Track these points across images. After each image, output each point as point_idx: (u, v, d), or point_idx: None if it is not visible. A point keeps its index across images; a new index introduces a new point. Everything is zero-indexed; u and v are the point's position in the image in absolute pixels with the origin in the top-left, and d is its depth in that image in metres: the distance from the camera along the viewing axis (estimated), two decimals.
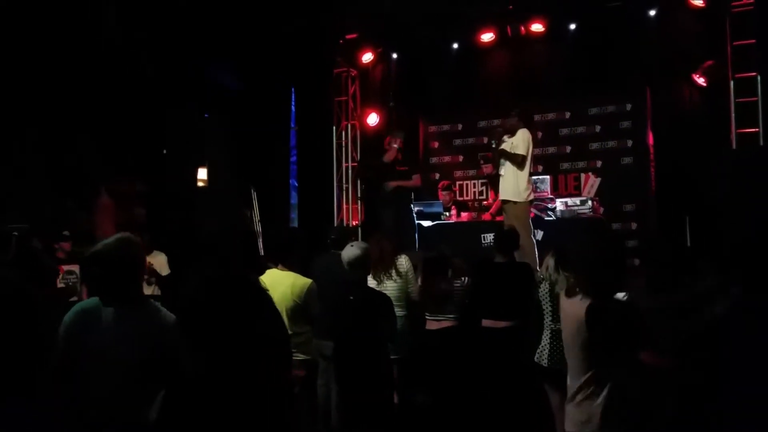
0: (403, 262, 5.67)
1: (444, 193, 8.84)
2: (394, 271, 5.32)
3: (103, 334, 2.73)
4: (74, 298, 4.98)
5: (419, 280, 5.36)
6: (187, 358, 2.33)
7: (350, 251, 4.41)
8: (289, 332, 4.24)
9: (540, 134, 9.08)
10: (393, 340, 4.52)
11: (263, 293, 2.52)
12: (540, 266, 5.21)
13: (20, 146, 8.00)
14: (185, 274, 3.04)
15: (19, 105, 7.74)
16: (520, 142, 6.82)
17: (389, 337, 4.46)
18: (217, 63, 9.09)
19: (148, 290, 6.46)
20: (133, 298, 2.84)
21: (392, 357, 4.73)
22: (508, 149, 6.85)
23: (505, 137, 6.97)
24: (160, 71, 8.45)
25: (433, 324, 5.30)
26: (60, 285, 4.95)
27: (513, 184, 6.81)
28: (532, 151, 6.93)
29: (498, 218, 8.01)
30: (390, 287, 5.22)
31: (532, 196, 6.96)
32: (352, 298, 4.34)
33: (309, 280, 4.40)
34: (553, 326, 4.55)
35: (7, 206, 7.21)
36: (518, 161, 6.77)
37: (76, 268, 5.17)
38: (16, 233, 6.91)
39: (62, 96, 7.92)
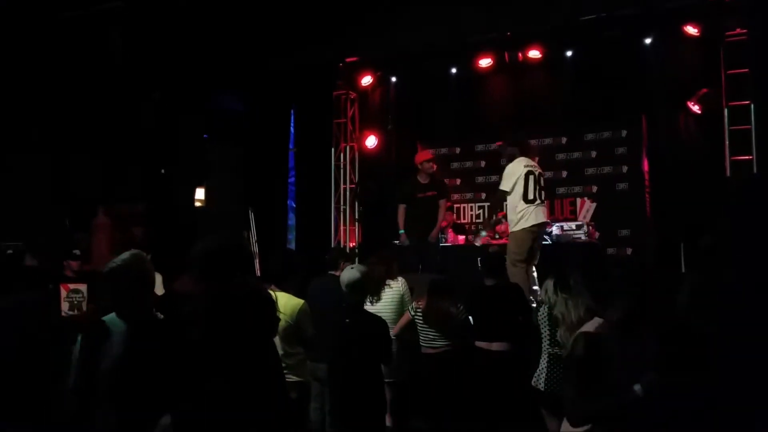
0: (400, 285, 5.71)
1: None
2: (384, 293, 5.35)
3: (117, 353, 2.75)
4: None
5: (420, 302, 5.39)
6: (207, 372, 2.33)
7: (349, 274, 4.38)
8: (281, 353, 4.26)
9: (537, 159, 9.15)
10: (388, 363, 4.53)
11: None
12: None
13: (23, 164, 8.06)
14: (185, 293, 3.05)
15: (24, 124, 7.82)
16: (503, 177, 6.79)
17: (385, 360, 4.46)
18: (219, 86, 9.16)
19: None
20: (145, 314, 2.89)
21: (387, 380, 4.74)
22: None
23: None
24: (166, 96, 8.51)
25: (428, 350, 5.34)
26: (64, 303, 4.85)
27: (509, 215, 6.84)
28: (525, 176, 6.72)
29: (493, 242, 8.05)
30: (378, 308, 5.22)
31: (527, 224, 6.65)
32: (347, 320, 4.34)
33: (301, 301, 4.32)
34: (550, 350, 4.50)
35: (10, 224, 7.24)
36: (500, 197, 6.83)
37: (83, 287, 5.05)
38: (10, 251, 6.91)
39: (66, 116, 8.00)
